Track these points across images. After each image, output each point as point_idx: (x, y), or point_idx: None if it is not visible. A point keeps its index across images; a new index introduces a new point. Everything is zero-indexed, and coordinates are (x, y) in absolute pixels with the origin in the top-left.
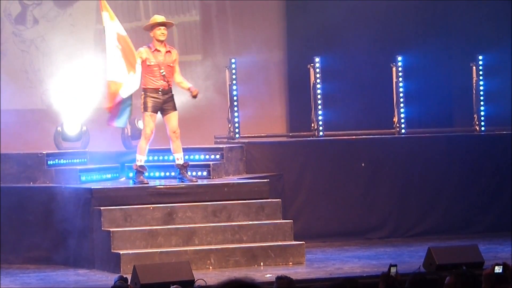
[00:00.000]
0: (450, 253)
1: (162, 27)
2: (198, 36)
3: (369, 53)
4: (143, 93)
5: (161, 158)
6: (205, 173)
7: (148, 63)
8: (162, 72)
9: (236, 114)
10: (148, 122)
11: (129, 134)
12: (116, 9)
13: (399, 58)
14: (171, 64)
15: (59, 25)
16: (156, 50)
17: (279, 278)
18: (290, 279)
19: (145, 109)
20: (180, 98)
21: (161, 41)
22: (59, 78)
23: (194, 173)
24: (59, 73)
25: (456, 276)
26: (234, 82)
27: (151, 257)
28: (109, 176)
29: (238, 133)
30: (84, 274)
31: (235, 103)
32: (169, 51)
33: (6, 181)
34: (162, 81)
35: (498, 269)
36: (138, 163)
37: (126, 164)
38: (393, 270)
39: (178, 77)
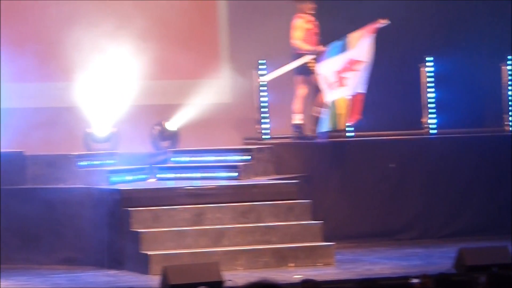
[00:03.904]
0: (481, 254)
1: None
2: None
3: (398, 54)
4: (302, 58)
5: (193, 159)
6: (234, 174)
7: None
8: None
9: (265, 115)
10: (308, 84)
11: (158, 134)
12: None
13: (429, 59)
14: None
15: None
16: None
17: (304, 282)
18: (315, 282)
19: (307, 73)
20: (210, 98)
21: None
22: (89, 78)
23: (223, 174)
24: (89, 73)
25: (490, 277)
26: (262, 83)
27: (180, 258)
28: (138, 177)
29: (267, 134)
30: (113, 275)
31: (265, 104)
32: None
33: (36, 182)
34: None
35: None
36: (297, 122)
37: (155, 165)
38: None
39: None
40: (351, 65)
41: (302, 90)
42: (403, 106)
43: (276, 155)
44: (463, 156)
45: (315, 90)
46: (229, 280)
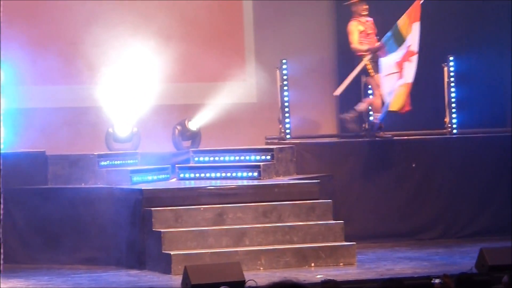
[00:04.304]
0: (503, 254)
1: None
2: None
3: (420, 53)
4: (363, 61)
5: (215, 159)
6: (255, 174)
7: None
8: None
9: (286, 115)
10: (378, 82)
11: (179, 135)
12: None
13: (451, 58)
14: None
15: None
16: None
17: (324, 283)
18: (336, 282)
19: (374, 71)
20: (233, 98)
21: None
22: (111, 77)
23: (245, 174)
24: (111, 73)
25: None
26: (285, 82)
27: (201, 258)
28: (160, 177)
29: (289, 133)
30: (135, 274)
31: (286, 104)
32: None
33: (57, 182)
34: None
35: None
36: (376, 120)
37: (176, 165)
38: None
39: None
40: (408, 56)
41: (377, 89)
42: (425, 106)
43: (298, 155)
44: (484, 155)
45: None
46: (251, 280)
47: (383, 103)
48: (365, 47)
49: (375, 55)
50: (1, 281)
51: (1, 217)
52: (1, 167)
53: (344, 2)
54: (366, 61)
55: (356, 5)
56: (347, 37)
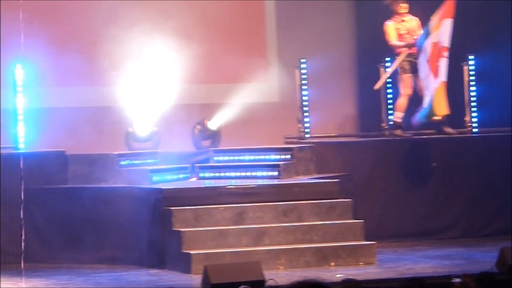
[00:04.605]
0: None
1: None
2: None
3: None
4: (399, 57)
5: (235, 158)
6: (275, 173)
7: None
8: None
9: (306, 114)
10: (408, 82)
11: (199, 134)
12: None
13: (471, 57)
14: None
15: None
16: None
17: (345, 282)
18: (357, 281)
19: (405, 71)
20: (254, 98)
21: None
22: (130, 77)
23: (264, 173)
24: (130, 72)
25: None
26: (304, 82)
27: (221, 257)
28: (180, 176)
29: (309, 133)
30: (155, 274)
31: (305, 103)
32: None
33: (77, 182)
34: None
35: None
36: (396, 119)
37: (196, 164)
38: None
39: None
40: (440, 52)
41: (404, 89)
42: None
43: (318, 154)
44: (505, 154)
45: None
46: (271, 279)
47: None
48: (402, 43)
49: (413, 54)
50: (23, 280)
51: (22, 216)
52: (22, 167)
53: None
54: (401, 58)
55: (393, 4)
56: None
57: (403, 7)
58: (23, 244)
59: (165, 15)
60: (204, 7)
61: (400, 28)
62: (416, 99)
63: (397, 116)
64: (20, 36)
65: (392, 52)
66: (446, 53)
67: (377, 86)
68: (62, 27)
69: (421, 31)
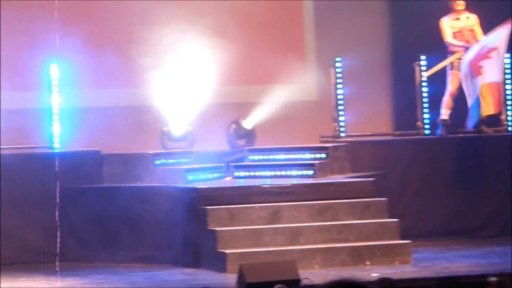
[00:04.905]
0: None
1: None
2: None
3: None
4: (450, 55)
5: (270, 157)
6: (310, 172)
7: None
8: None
9: (341, 112)
10: (453, 80)
11: (234, 133)
12: None
13: (506, 56)
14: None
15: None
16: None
17: (380, 281)
18: (392, 280)
19: (453, 68)
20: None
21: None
22: (165, 77)
23: (300, 172)
24: (165, 72)
25: None
26: (340, 80)
27: (256, 256)
28: (214, 175)
29: (344, 131)
30: (190, 273)
31: (340, 102)
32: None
33: (112, 181)
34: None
35: None
36: (442, 117)
37: (231, 163)
38: None
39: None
40: (486, 53)
41: (451, 86)
42: None
43: (353, 153)
44: None
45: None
46: (306, 279)
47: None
48: (458, 42)
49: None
50: (59, 279)
51: (57, 216)
52: (57, 166)
53: None
54: (453, 58)
55: (450, 1)
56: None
57: (460, 4)
58: (58, 243)
59: (200, 14)
60: (241, 7)
61: (453, 26)
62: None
63: (444, 113)
64: (55, 35)
65: (441, 50)
66: (493, 53)
67: (428, 74)
68: (97, 27)
69: (479, 29)
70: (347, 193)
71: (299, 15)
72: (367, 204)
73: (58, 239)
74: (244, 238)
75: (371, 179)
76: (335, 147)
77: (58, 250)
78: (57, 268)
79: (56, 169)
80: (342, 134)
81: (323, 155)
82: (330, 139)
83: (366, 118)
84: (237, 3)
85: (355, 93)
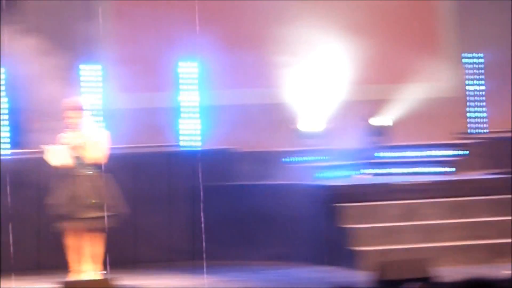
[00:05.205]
0: None
1: None
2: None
3: None
4: None
5: (405, 154)
6: (447, 169)
7: None
8: None
9: (479, 109)
10: None
11: (367, 130)
12: None
13: None
14: None
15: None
16: None
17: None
18: None
19: None
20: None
21: None
22: (298, 74)
23: (436, 169)
24: (298, 69)
25: None
26: (477, 76)
27: (391, 254)
28: (348, 172)
29: (484, 128)
30: (324, 271)
31: (481, 98)
32: None
33: (247, 178)
34: None
35: None
36: None
37: (365, 161)
38: None
39: None
40: None
41: None
42: None
43: (493, 149)
44: None
45: None
46: (442, 276)
47: None
48: None
49: None
50: (205, 277)
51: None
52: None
53: None
54: None
55: None
56: None
57: None
58: (204, 243)
59: (335, 12)
60: (376, 4)
61: None
62: None
63: None
64: (195, 35)
65: None
66: None
67: None
68: (234, 27)
69: None
70: (484, 190)
71: (434, 12)
72: (504, 201)
73: (203, 237)
74: (378, 235)
75: (509, 175)
76: (475, 144)
77: (204, 248)
78: (204, 268)
79: (199, 167)
80: (482, 131)
81: (461, 152)
82: (468, 135)
83: (507, 113)
84: (372, 1)
85: (497, 88)
